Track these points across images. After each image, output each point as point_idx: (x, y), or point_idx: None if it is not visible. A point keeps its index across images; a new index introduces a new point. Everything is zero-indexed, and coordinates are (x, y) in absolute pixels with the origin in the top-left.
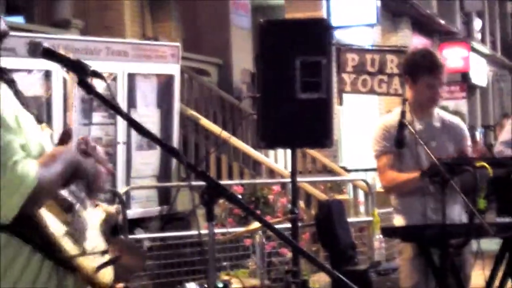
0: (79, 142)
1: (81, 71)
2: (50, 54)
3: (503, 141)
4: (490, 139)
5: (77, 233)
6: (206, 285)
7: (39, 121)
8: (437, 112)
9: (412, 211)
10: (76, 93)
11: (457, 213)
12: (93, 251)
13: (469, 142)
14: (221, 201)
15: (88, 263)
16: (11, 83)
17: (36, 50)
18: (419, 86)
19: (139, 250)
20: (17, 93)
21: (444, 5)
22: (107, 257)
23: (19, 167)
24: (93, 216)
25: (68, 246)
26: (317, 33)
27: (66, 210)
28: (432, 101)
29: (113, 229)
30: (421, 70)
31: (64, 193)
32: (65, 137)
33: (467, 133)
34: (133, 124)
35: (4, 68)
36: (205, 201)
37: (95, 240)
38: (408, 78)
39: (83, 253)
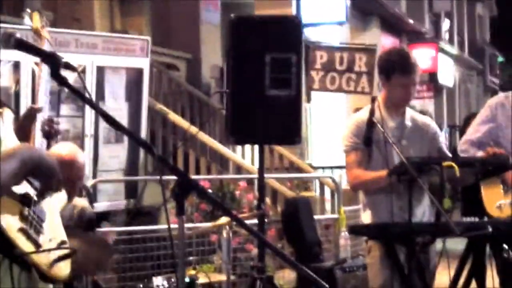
0: (44, 123)
1: (53, 63)
2: (23, 45)
3: (468, 140)
4: (455, 139)
5: (32, 228)
6: (173, 280)
7: None
8: (409, 111)
9: (379, 208)
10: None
11: (422, 212)
12: (48, 247)
13: (441, 139)
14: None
15: (44, 258)
16: None
17: (9, 41)
18: (393, 85)
19: (106, 244)
20: None
21: (413, 5)
22: (64, 250)
23: None
24: (53, 202)
25: (22, 242)
26: (288, 30)
27: (23, 202)
28: (404, 100)
29: (88, 223)
30: (395, 70)
31: (21, 185)
32: (29, 116)
33: (439, 131)
34: (106, 117)
35: None
36: (176, 196)
37: (52, 230)
38: (382, 76)
39: (37, 250)
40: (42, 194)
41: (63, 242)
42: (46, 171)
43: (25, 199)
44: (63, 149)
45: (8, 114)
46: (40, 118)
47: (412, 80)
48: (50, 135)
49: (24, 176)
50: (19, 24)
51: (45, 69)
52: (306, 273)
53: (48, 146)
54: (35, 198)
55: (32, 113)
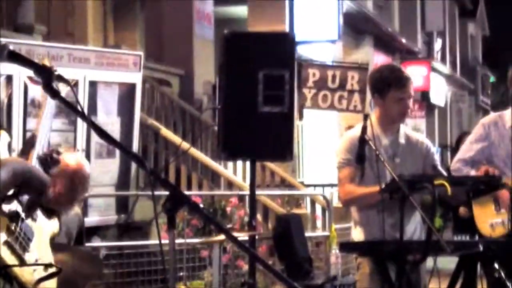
0: (44, 153)
1: (46, 75)
2: (15, 57)
3: (461, 159)
4: (447, 158)
5: (17, 244)
6: None
7: None
8: (403, 129)
9: (371, 225)
10: (51, 102)
11: (413, 230)
12: (33, 263)
13: (436, 157)
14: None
15: (29, 275)
16: None
17: (1, 53)
18: (388, 102)
19: (96, 258)
20: None
21: (406, 24)
22: (50, 270)
23: None
24: (43, 227)
25: (6, 255)
26: (281, 47)
27: (11, 218)
28: (402, 115)
29: (78, 235)
30: (390, 86)
31: (11, 202)
32: (28, 146)
33: (433, 148)
34: (97, 130)
35: None
36: (167, 210)
37: (40, 252)
38: (376, 94)
39: (21, 264)
40: (29, 209)
41: (50, 265)
42: (37, 185)
43: (13, 215)
44: (71, 159)
45: (4, 136)
46: (38, 145)
47: (407, 93)
48: (47, 163)
49: (14, 187)
50: (12, 37)
51: (50, 103)
52: None
53: (45, 173)
54: (23, 215)
55: (32, 140)
